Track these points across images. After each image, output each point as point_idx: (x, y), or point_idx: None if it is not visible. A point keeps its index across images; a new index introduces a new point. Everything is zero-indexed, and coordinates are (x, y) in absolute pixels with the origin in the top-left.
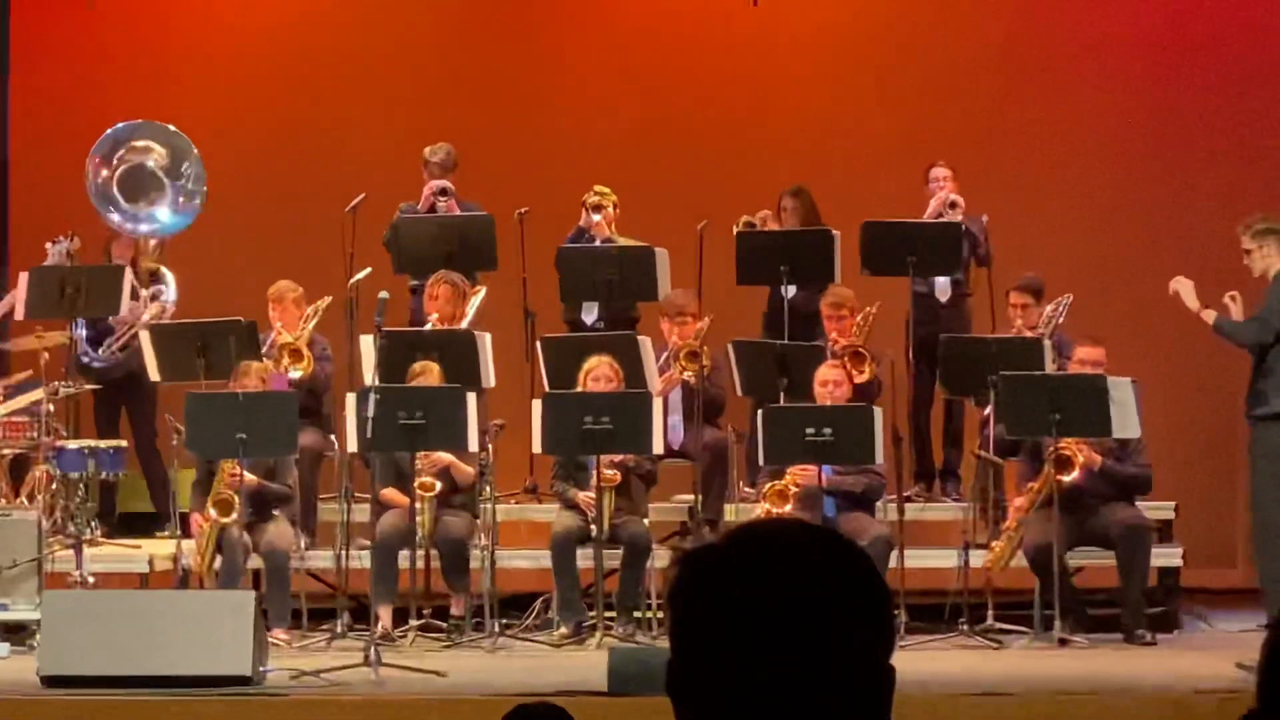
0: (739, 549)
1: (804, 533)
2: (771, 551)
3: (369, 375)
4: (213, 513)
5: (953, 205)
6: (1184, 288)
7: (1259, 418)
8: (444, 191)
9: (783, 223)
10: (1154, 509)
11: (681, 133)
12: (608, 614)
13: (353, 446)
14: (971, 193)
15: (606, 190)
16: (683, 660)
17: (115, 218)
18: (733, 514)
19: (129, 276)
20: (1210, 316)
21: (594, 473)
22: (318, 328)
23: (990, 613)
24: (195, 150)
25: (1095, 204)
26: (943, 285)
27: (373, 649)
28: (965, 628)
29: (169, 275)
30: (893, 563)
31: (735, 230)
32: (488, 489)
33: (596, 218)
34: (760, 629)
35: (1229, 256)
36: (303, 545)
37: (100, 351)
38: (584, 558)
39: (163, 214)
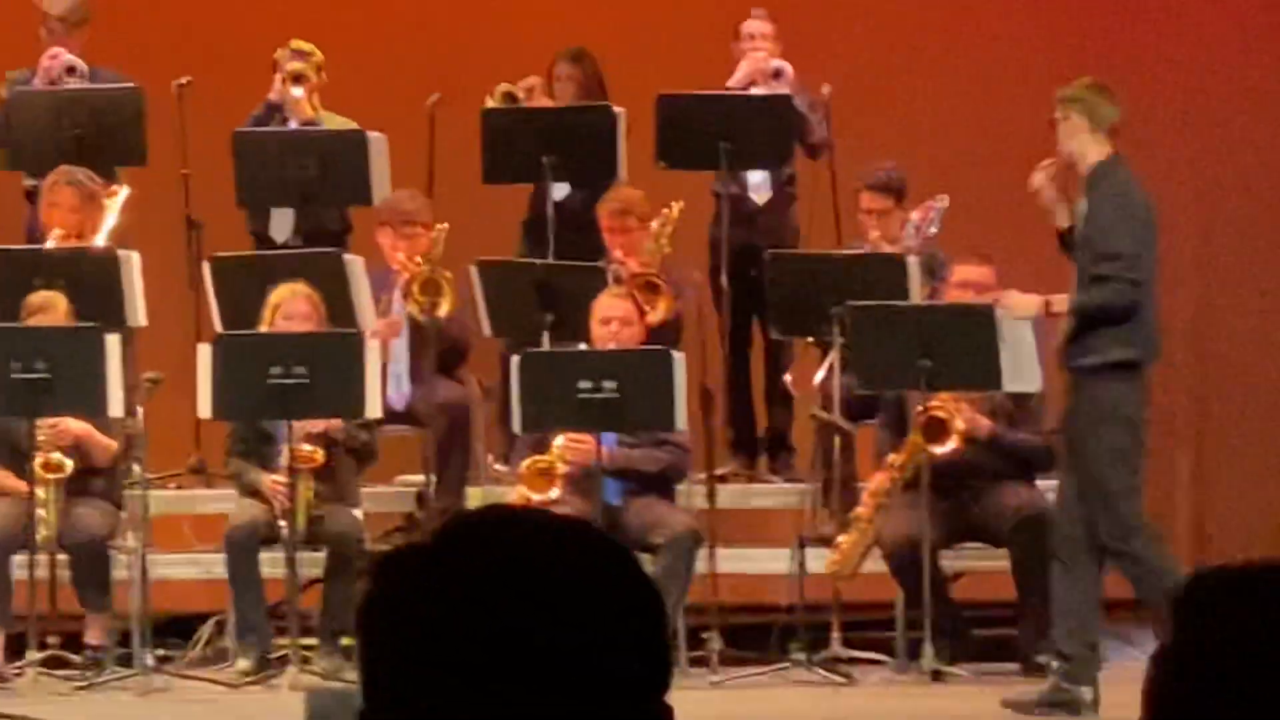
0: (451, 551)
1: (539, 525)
2: (495, 554)
3: None
4: None
5: (777, 74)
6: (1015, 305)
7: (1087, 369)
8: (72, 70)
9: (555, 98)
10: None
11: None
12: (305, 642)
13: None
14: (801, 58)
15: (310, 48)
16: (377, 705)
17: None
18: (479, 500)
19: None
20: (1061, 304)
21: (285, 447)
22: None
23: (836, 635)
24: None
25: (981, 72)
26: (759, 183)
27: None
28: (802, 656)
29: None
30: (702, 566)
31: (486, 106)
32: (136, 469)
33: (297, 92)
34: (481, 660)
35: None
36: None
37: None
38: (272, 564)
39: None
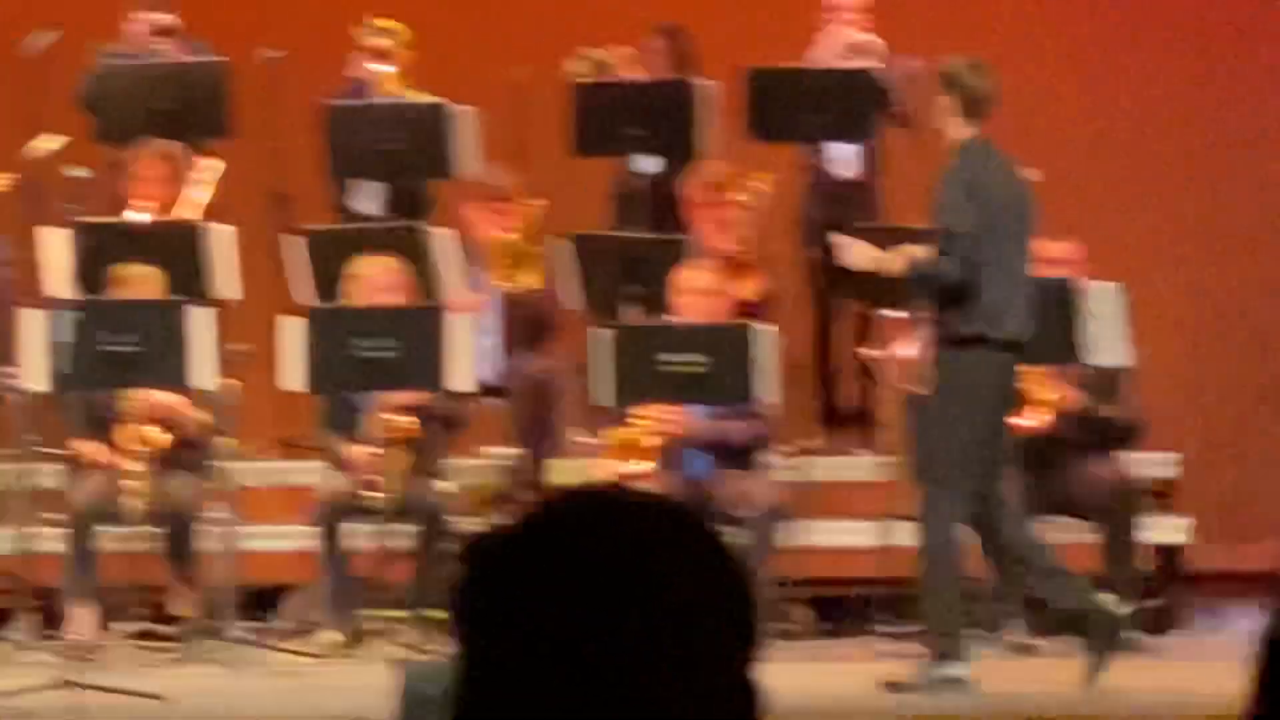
0: (543, 536)
1: (629, 507)
2: (586, 537)
3: (59, 285)
4: None
5: (866, 47)
6: (850, 251)
7: (942, 342)
8: (167, 31)
9: (648, 73)
10: (1149, 465)
11: None
12: (395, 614)
13: (39, 384)
14: (892, 30)
15: (394, 25)
16: (472, 687)
17: None
18: (565, 473)
19: None
20: (899, 263)
21: (373, 418)
22: None
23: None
24: None
25: (1075, 46)
26: (845, 156)
27: (68, 664)
28: (887, 629)
29: None
30: (787, 540)
31: (570, 74)
32: (225, 442)
33: (381, 69)
34: (573, 644)
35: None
36: None
37: None
38: (361, 536)
39: None
